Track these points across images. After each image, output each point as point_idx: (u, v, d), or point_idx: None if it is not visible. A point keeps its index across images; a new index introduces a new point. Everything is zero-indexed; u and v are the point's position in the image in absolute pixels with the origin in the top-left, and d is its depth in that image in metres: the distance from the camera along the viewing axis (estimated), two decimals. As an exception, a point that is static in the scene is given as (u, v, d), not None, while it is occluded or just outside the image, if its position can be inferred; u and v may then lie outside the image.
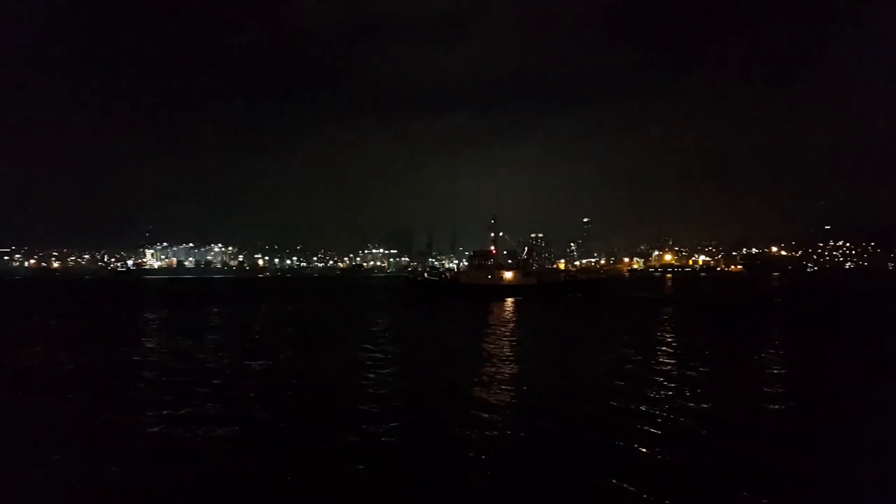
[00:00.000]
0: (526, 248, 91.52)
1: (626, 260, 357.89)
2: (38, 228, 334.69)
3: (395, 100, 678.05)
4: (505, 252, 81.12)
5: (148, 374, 21.84)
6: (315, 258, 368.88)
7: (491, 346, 30.04)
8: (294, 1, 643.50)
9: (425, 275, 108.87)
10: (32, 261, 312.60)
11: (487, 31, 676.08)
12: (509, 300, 67.63)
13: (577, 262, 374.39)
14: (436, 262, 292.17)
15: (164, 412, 16.14)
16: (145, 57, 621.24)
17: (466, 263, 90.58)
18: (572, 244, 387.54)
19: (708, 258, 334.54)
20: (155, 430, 14.59)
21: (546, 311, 53.96)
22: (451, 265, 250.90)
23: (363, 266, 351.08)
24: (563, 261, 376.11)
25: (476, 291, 73.14)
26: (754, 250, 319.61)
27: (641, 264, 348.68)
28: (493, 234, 79.52)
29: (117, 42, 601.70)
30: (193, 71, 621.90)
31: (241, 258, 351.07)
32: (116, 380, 21.07)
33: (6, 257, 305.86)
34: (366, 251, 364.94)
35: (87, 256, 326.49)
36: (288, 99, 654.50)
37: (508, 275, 76.23)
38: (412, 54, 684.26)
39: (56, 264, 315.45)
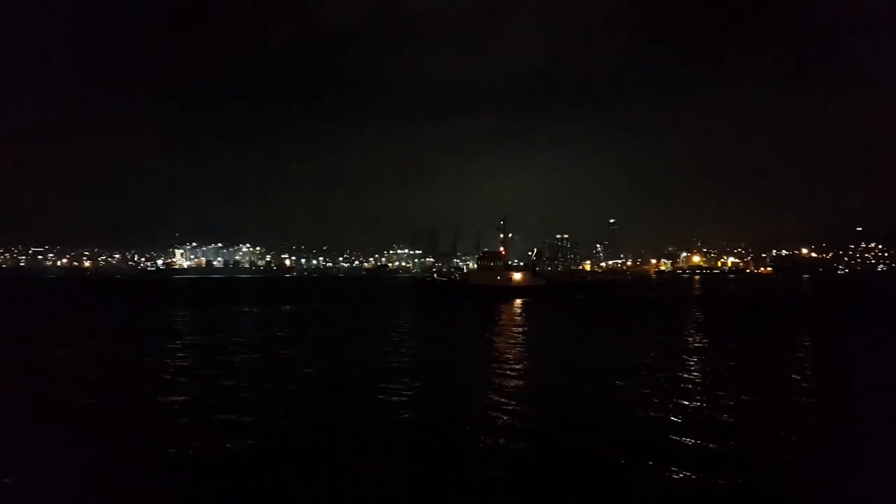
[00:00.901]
0: (535, 250, 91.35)
1: (654, 261, 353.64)
2: (70, 228, 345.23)
3: (424, 100, 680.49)
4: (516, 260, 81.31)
5: (170, 374, 22.03)
6: (341, 258, 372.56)
7: (499, 350, 29.04)
8: (325, 1, 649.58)
9: (435, 275, 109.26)
10: (64, 260, 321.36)
11: (517, 32, 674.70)
12: (518, 301, 67.62)
13: (603, 264, 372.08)
14: (460, 263, 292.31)
15: (181, 410, 16.40)
16: (177, 57, 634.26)
17: (475, 264, 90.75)
18: (598, 245, 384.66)
19: (737, 260, 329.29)
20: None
21: (553, 314, 53.63)
22: (474, 265, 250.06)
23: (388, 266, 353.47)
24: (588, 262, 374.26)
25: (485, 292, 73.18)
26: (784, 252, 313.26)
27: (669, 266, 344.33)
28: (502, 236, 79.71)
29: (150, 43, 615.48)
30: (224, 71, 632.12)
31: (268, 258, 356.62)
32: (140, 374, 21.80)
33: (39, 256, 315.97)
34: (391, 251, 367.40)
35: (117, 256, 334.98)
36: (317, 99, 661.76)
37: (517, 276, 76.26)
38: (441, 55, 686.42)
39: (87, 264, 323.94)
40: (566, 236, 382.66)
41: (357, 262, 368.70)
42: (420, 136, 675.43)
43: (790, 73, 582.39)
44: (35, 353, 27.16)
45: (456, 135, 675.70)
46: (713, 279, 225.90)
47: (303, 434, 13.94)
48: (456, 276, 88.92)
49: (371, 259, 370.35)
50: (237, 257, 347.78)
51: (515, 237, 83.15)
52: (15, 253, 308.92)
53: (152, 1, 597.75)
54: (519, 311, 55.23)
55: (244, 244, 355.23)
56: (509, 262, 78.97)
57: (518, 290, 74.79)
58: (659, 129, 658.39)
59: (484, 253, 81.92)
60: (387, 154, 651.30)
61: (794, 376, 21.79)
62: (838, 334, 38.94)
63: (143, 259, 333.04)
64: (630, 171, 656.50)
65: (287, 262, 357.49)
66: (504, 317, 48.82)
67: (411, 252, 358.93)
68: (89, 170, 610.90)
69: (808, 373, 22.48)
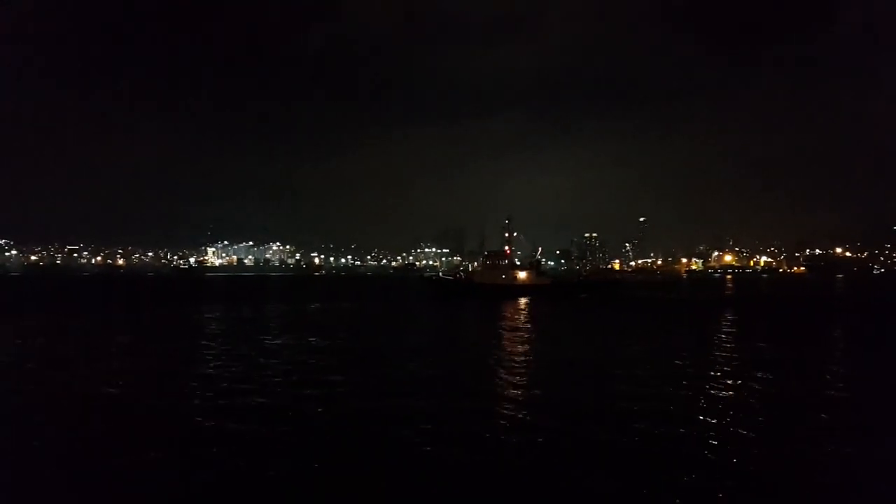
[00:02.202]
0: (539, 249, 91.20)
1: (685, 260, 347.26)
2: (104, 227, 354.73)
3: (451, 99, 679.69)
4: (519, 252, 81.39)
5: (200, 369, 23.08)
6: (368, 257, 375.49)
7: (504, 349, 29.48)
8: (355, 2, 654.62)
9: (440, 274, 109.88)
10: (98, 258, 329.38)
11: (547, 30, 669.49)
12: (522, 300, 67.91)
13: (632, 263, 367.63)
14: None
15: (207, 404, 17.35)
16: (211, 56, 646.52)
17: (479, 263, 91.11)
18: (627, 244, 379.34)
19: (770, 259, 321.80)
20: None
21: (556, 313, 54.00)
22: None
23: (415, 265, 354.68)
24: (617, 261, 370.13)
25: (490, 291, 73.58)
26: (818, 251, 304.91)
27: (700, 265, 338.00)
28: (507, 235, 79.95)
29: (184, 42, 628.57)
30: (257, 71, 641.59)
31: (297, 256, 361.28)
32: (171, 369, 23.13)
33: (75, 254, 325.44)
34: (418, 250, 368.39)
35: (150, 254, 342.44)
36: (347, 99, 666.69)
37: (522, 275, 76.48)
38: (471, 54, 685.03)
39: (121, 261, 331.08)
40: (594, 235, 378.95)
41: (385, 261, 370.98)
42: (449, 134, 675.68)
43: (826, 70, 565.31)
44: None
45: (485, 133, 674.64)
46: (745, 279, 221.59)
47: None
48: (461, 275, 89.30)
49: (398, 258, 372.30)
50: (267, 255, 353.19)
51: (521, 236, 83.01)
52: (51, 251, 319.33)
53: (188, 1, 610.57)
54: (523, 309, 55.60)
55: (274, 243, 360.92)
56: (515, 262, 79.20)
57: (523, 288, 75.00)
58: (690, 128, 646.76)
59: (489, 252, 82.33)
60: (415, 153, 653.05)
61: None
62: (867, 335, 37.76)
63: (175, 257, 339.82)
64: (661, 170, 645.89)
65: (316, 260, 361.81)
66: (508, 315, 49.25)
67: (438, 251, 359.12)
68: (124, 169, 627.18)
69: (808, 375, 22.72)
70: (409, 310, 58.64)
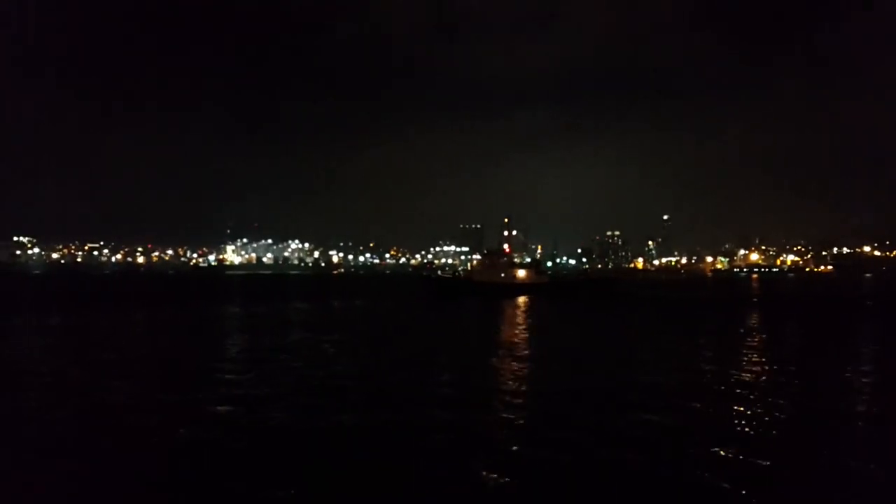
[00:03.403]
0: (540, 248, 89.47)
1: (709, 259, 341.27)
2: (125, 225, 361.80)
3: (473, 97, 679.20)
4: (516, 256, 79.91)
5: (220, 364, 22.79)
6: (387, 255, 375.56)
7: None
8: (379, 2, 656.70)
9: (440, 273, 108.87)
10: (119, 256, 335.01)
11: (572, 28, 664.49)
12: (521, 298, 66.97)
13: (655, 261, 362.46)
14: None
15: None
16: (231, 55, 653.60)
17: (477, 261, 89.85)
18: (651, 242, 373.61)
19: (796, 258, 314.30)
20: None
21: (551, 311, 54.13)
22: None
23: (434, 263, 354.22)
24: (640, 259, 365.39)
25: (489, 289, 72.70)
26: (845, 250, 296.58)
27: (725, 264, 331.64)
28: (506, 233, 78.76)
29: (205, 40, 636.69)
30: (279, 69, 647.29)
31: (316, 255, 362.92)
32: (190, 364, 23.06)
33: (95, 253, 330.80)
34: (437, 248, 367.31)
35: (170, 252, 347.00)
36: (369, 97, 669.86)
37: (522, 273, 75.44)
38: (495, 51, 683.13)
39: (141, 260, 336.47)
40: (617, 233, 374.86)
41: (403, 260, 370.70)
42: (470, 132, 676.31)
43: (850, 68, 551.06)
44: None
45: (507, 131, 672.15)
46: (771, 278, 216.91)
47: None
48: (460, 274, 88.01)
49: (417, 256, 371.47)
50: (286, 254, 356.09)
51: (520, 235, 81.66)
52: (72, 249, 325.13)
53: (211, 2, 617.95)
54: (523, 309, 55.13)
55: (293, 241, 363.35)
56: (514, 260, 77.89)
57: (522, 287, 74.16)
58: (716, 126, 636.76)
59: (487, 251, 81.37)
60: (437, 151, 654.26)
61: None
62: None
63: (195, 255, 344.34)
64: (686, 168, 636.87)
65: (335, 258, 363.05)
66: (508, 313, 49.13)
67: (458, 249, 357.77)
68: (144, 168, 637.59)
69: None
70: (406, 310, 57.01)
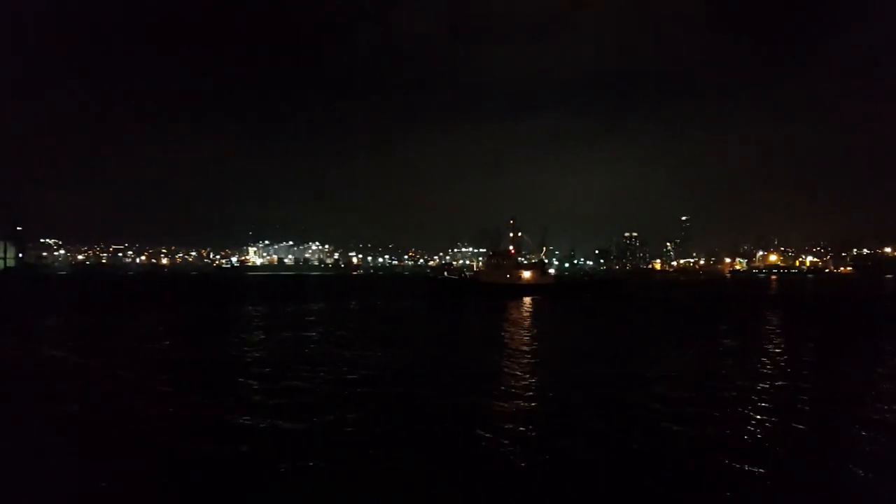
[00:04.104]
0: (544, 249, 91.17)
1: (728, 260, 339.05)
2: (149, 227, 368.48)
3: (492, 99, 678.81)
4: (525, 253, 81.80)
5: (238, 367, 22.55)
6: (406, 256, 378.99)
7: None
8: (401, 4, 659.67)
9: (445, 273, 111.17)
10: (143, 257, 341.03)
11: (587, 29, 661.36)
12: (527, 299, 68.21)
13: (674, 262, 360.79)
14: (524, 262, 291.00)
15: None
16: (252, 59, 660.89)
17: (482, 262, 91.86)
18: (669, 244, 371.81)
19: (816, 259, 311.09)
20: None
21: (558, 311, 54.43)
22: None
23: (452, 264, 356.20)
24: (658, 261, 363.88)
25: (494, 290, 74.14)
26: (865, 251, 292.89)
27: (744, 265, 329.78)
28: (511, 234, 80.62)
29: (227, 44, 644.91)
30: (299, 73, 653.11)
31: (336, 256, 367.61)
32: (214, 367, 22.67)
33: (119, 254, 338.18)
34: (455, 250, 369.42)
35: (193, 253, 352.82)
36: (387, 99, 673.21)
37: (527, 274, 76.96)
38: (511, 53, 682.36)
39: (165, 261, 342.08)
40: (635, 234, 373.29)
41: (422, 261, 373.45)
42: (488, 134, 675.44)
43: (869, 67, 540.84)
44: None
45: (525, 132, 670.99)
46: (791, 279, 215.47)
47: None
48: (466, 275, 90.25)
49: (436, 257, 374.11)
50: (307, 255, 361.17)
51: (525, 236, 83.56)
52: (97, 250, 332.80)
53: (228, 2, 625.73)
54: (528, 309, 55.55)
55: (313, 242, 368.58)
56: (520, 261, 79.68)
57: (527, 288, 75.45)
58: (734, 125, 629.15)
59: (493, 252, 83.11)
60: (456, 152, 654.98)
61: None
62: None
63: (218, 256, 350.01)
64: (705, 168, 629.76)
65: (354, 259, 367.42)
66: (513, 314, 49.57)
67: (476, 250, 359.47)
68: (167, 170, 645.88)
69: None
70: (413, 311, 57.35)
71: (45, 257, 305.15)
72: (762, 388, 18.75)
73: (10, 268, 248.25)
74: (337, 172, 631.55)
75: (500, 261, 78.88)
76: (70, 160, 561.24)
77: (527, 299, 67.83)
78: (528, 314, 49.56)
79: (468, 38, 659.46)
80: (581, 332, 38.50)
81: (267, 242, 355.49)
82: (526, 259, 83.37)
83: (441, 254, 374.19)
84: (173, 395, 17.30)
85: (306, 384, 18.80)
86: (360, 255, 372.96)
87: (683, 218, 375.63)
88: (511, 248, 79.91)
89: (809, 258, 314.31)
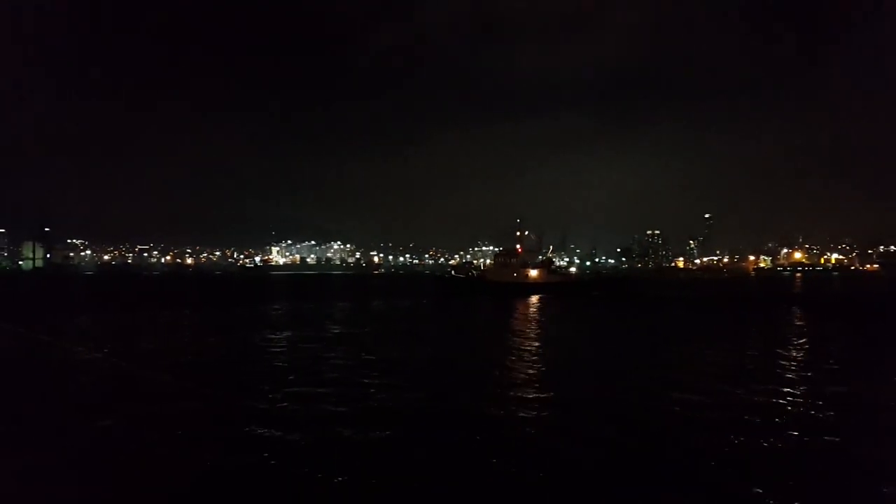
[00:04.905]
0: (550, 247, 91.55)
1: (752, 258, 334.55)
2: (174, 227, 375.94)
3: (514, 99, 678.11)
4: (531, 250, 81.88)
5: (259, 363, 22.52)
6: (426, 255, 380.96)
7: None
8: (424, 4, 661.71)
9: (452, 272, 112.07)
10: (168, 257, 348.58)
11: (609, 29, 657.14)
12: (534, 297, 68.79)
13: (697, 261, 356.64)
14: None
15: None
16: (276, 61, 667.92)
17: (491, 261, 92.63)
18: (692, 241, 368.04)
19: (841, 256, 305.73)
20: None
21: (565, 310, 53.94)
22: (560, 263, 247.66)
23: (472, 263, 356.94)
24: (681, 259, 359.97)
25: (502, 289, 74.86)
26: (892, 248, 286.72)
27: (769, 263, 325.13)
28: (518, 233, 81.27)
29: (252, 45, 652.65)
30: (323, 74, 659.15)
31: (357, 255, 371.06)
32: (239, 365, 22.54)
33: (145, 254, 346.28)
34: (475, 248, 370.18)
35: (217, 253, 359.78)
36: (408, 99, 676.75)
37: (534, 273, 77.48)
38: (533, 54, 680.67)
39: (189, 261, 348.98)
40: (657, 232, 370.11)
41: (442, 260, 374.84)
42: (510, 133, 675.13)
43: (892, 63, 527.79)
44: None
45: (547, 132, 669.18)
46: (816, 277, 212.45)
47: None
48: (473, 273, 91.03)
49: (456, 256, 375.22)
50: (329, 254, 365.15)
51: (532, 235, 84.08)
52: (123, 251, 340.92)
53: (256, 2, 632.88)
54: (535, 308, 55.23)
55: (335, 242, 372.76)
56: (526, 260, 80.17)
57: (534, 286, 76.04)
58: (758, 123, 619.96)
59: (500, 250, 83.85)
60: (476, 152, 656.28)
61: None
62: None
63: (242, 256, 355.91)
64: (729, 166, 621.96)
65: (375, 259, 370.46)
66: (520, 312, 49.49)
67: (495, 249, 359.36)
68: (193, 171, 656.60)
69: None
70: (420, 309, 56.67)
71: (71, 257, 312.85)
72: (762, 388, 17.64)
73: (38, 268, 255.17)
74: (359, 173, 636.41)
75: (506, 259, 79.66)
76: (96, 163, 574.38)
77: (534, 298, 68.32)
78: (534, 312, 49.31)
79: (491, 39, 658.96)
80: (575, 332, 37.43)
81: (289, 242, 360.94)
82: (541, 256, 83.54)
83: (462, 252, 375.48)
84: (206, 398, 16.65)
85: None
86: (382, 255, 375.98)
87: (707, 215, 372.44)
88: (518, 247, 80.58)
89: (835, 255, 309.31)
